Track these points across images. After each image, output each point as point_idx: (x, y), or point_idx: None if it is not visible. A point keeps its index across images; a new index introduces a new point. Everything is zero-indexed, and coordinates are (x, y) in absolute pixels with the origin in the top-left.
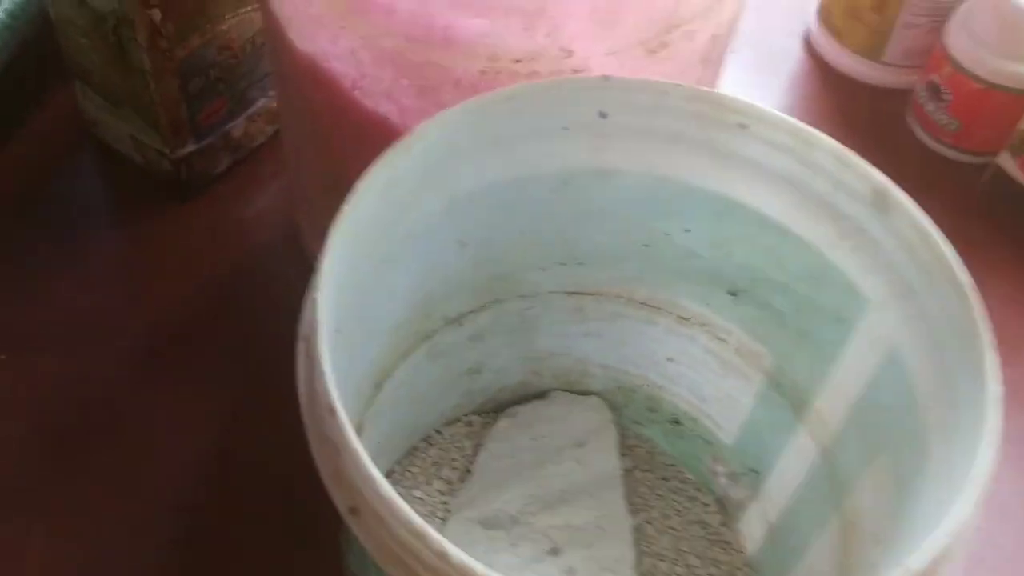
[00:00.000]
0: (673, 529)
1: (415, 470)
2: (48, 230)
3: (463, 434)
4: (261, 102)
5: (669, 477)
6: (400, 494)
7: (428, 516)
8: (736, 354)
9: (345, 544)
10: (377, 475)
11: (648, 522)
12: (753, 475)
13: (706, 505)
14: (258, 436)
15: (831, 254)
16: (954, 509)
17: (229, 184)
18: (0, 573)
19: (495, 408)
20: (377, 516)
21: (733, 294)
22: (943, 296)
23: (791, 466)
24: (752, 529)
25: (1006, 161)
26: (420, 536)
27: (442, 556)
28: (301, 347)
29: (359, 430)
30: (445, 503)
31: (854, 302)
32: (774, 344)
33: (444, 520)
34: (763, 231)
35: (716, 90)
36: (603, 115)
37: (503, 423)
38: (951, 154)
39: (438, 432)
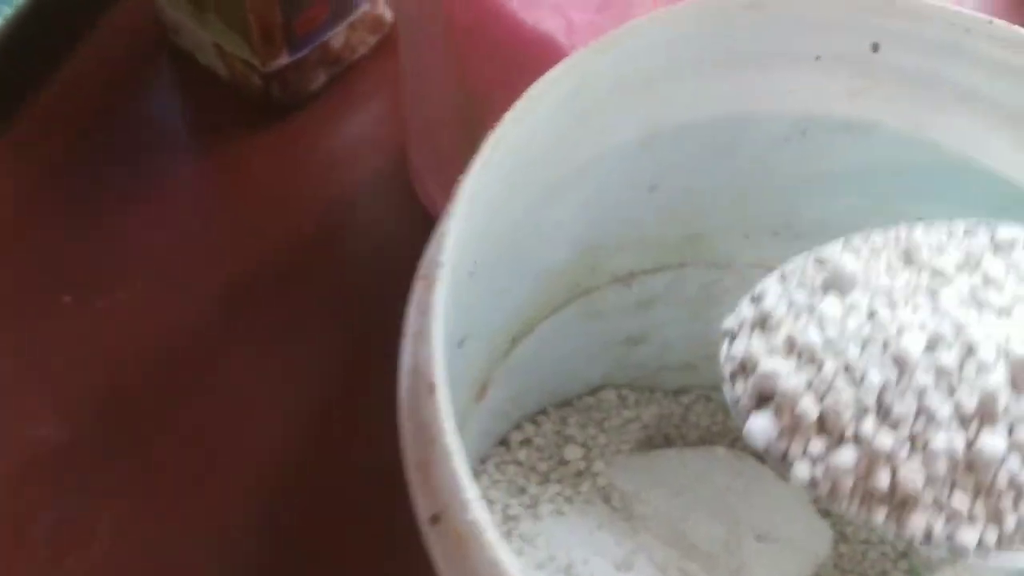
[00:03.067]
0: None
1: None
2: (118, 155)
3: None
4: (364, 7)
5: None
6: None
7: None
8: None
9: None
10: (468, 480)
11: None
12: None
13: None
14: (360, 399)
15: None
16: None
17: (326, 104)
18: (66, 556)
19: (649, 387)
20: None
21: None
22: None
23: None
24: None
25: None
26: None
27: None
28: (419, 287)
29: (484, 388)
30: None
31: None
32: None
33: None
34: None
35: None
36: (875, 47)
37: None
38: None
39: (579, 399)
